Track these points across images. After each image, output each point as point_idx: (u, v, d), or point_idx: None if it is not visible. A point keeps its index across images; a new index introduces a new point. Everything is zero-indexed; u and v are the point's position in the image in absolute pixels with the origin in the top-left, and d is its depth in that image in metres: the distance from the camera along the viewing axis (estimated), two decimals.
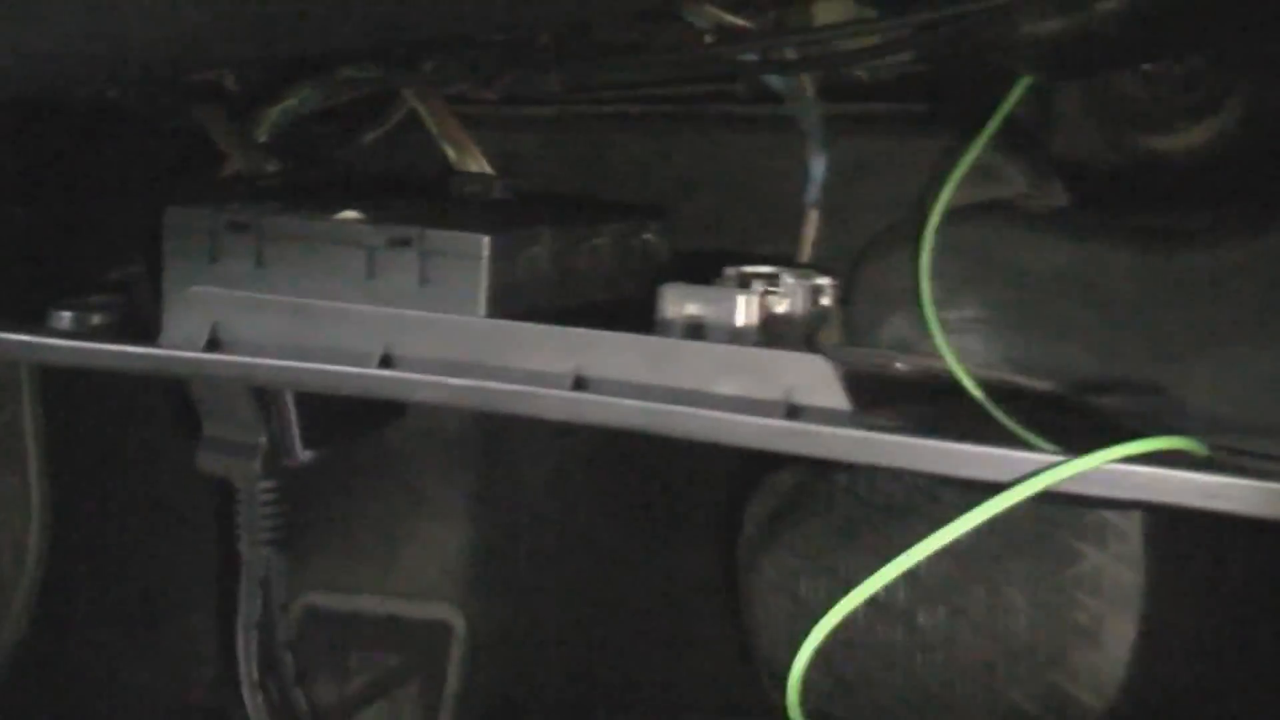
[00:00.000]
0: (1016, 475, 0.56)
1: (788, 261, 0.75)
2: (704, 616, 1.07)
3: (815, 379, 0.61)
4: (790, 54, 0.75)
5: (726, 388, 0.62)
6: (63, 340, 0.72)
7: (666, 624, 1.10)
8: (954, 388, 0.68)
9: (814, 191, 0.77)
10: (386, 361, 0.68)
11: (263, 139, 0.86)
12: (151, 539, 1.01)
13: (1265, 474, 0.55)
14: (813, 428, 0.59)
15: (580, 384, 0.64)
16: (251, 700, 0.78)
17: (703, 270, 0.72)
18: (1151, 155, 0.76)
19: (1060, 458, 0.55)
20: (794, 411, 0.60)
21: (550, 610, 1.12)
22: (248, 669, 0.78)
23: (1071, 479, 0.55)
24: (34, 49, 0.59)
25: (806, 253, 0.78)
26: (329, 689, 1.09)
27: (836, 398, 0.60)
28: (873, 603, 0.86)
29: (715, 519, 1.05)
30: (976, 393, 0.67)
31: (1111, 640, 0.92)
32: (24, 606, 0.88)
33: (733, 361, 0.63)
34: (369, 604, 1.12)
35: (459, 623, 1.10)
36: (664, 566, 1.09)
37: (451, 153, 0.85)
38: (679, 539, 1.07)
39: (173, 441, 0.81)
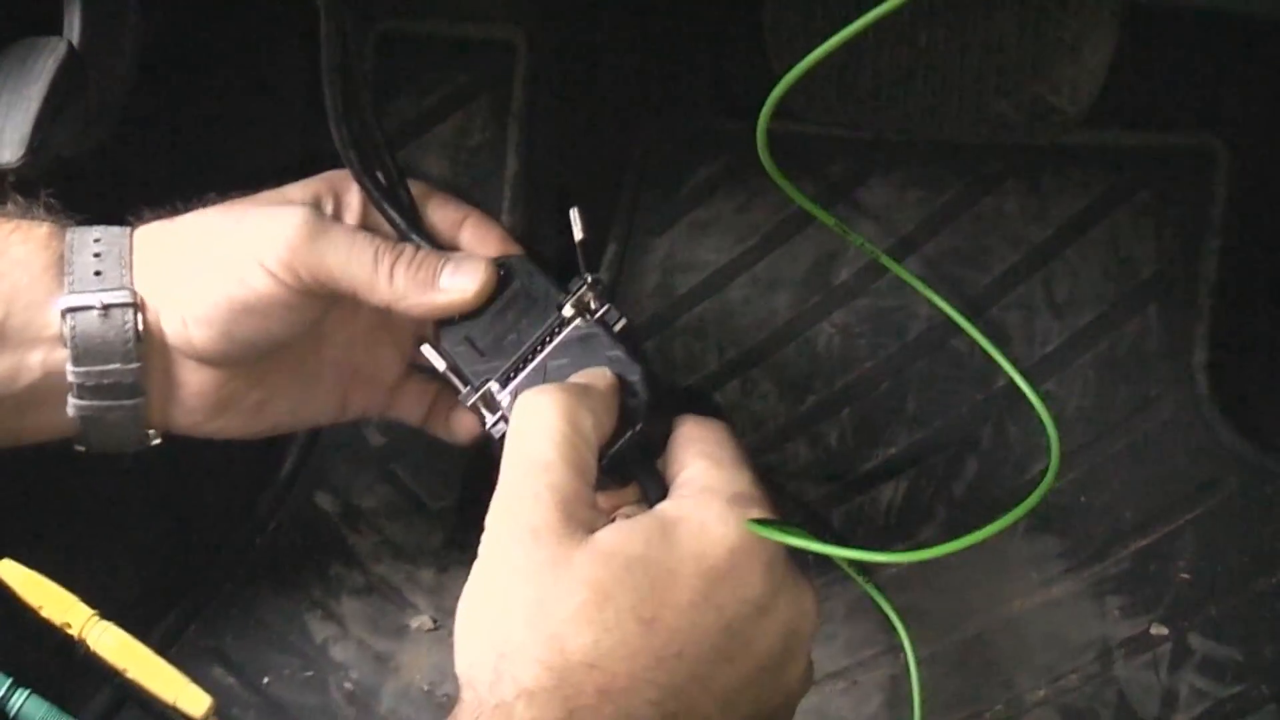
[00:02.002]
0: None
1: None
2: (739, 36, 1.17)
3: None
4: None
5: None
6: None
7: (705, 43, 1.20)
8: None
9: None
10: None
11: None
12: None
13: None
14: None
15: None
16: (338, 134, 0.81)
17: None
18: None
19: None
20: None
21: (603, 28, 1.21)
22: (334, 106, 0.81)
23: None
24: None
25: None
26: (408, 106, 1.20)
27: None
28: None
29: None
30: None
31: (1089, 54, 1.00)
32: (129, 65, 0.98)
33: None
34: (438, 26, 1.20)
35: (522, 41, 1.17)
36: None
37: None
38: None
39: None
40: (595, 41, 1.22)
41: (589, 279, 0.77)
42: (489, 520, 0.67)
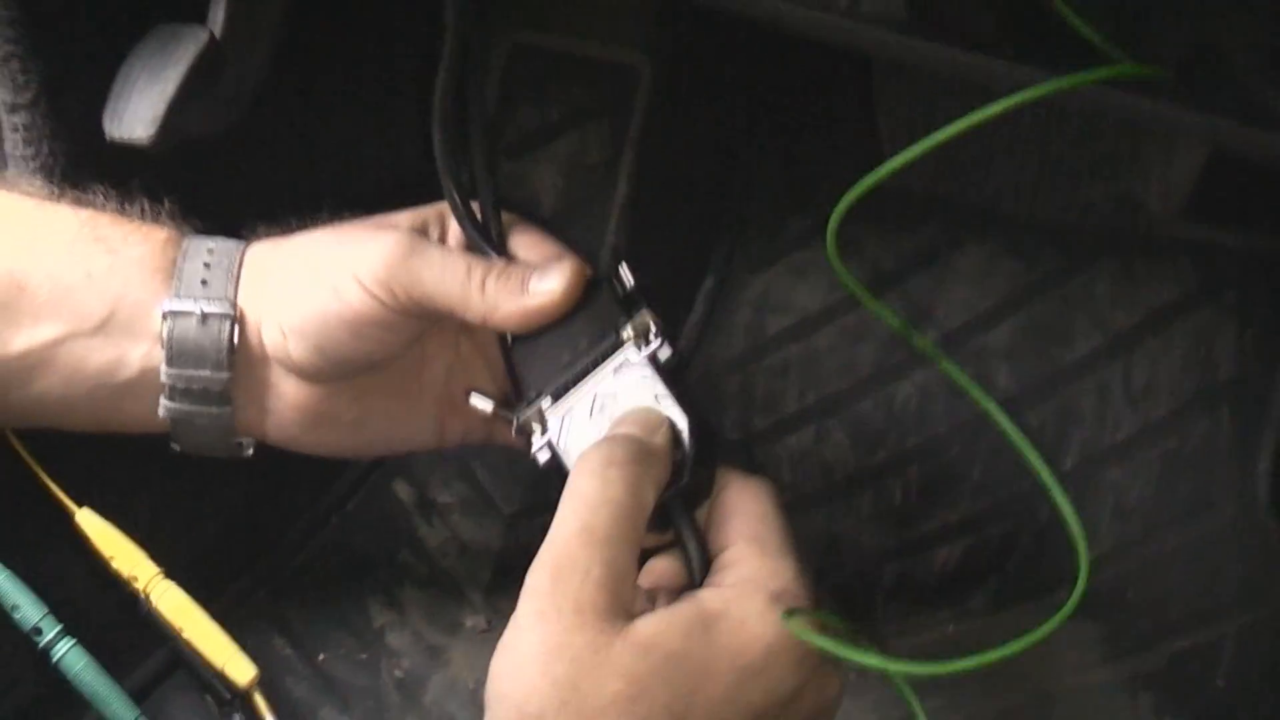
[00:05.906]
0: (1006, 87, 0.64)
1: None
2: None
3: None
4: None
5: None
6: None
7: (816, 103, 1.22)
8: None
9: None
10: None
11: None
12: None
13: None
14: (861, 26, 0.68)
15: None
16: (439, 131, 0.83)
17: None
18: None
19: (1043, 73, 0.63)
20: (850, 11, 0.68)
21: (726, 69, 1.23)
22: (440, 109, 0.83)
23: (1046, 95, 0.63)
24: None
25: None
26: (530, 115, 1.23)
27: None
28: None
29: None
30: None
31: (1184, 153, 1.01)
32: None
33: None
34: (567, 45, 1.21)
35: (646, 69, 1.18)
36: None
37: None
38: None
39: None
40: (718, 82, 1.23)
41: (648, 309, 0.79)
42: (533, 578, 0.67)
